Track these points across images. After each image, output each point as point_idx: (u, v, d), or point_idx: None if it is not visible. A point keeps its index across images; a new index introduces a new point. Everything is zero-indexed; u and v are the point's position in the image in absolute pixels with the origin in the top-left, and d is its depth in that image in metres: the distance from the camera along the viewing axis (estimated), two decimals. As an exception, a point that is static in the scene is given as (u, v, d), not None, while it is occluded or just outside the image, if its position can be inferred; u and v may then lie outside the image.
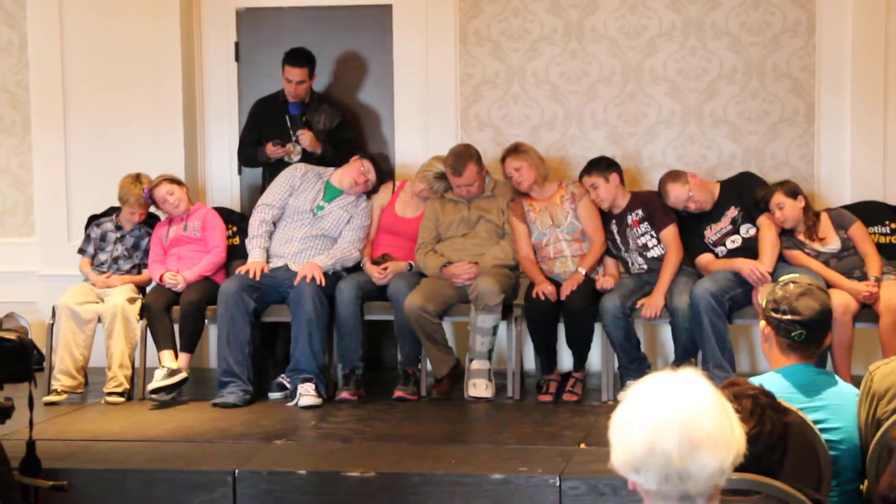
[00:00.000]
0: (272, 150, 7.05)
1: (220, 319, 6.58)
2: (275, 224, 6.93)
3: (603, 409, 6.25)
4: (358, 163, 6.93)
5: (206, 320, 6.74)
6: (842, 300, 6.10)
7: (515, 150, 6.72)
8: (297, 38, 7.46)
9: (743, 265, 6.32)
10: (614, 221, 6.69)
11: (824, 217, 6.42)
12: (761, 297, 3.61)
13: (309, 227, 6.87)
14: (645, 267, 6.62)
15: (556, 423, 5.98)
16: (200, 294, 6.71)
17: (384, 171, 7.04)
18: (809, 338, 3.46)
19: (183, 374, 6.52)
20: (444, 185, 6.83)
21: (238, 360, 6.53)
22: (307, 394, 6.43)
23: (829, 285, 6.18)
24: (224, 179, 7.62)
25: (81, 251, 7.05)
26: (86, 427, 6.06)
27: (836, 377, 3.55)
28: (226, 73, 7.66)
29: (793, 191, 6.38)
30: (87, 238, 7.05)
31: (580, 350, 6.61)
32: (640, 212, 6.64)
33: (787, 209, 6.34)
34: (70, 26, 7.56)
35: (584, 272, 6.57)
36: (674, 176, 6.59)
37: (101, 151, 7.55)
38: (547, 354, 6.62)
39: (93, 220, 7.12)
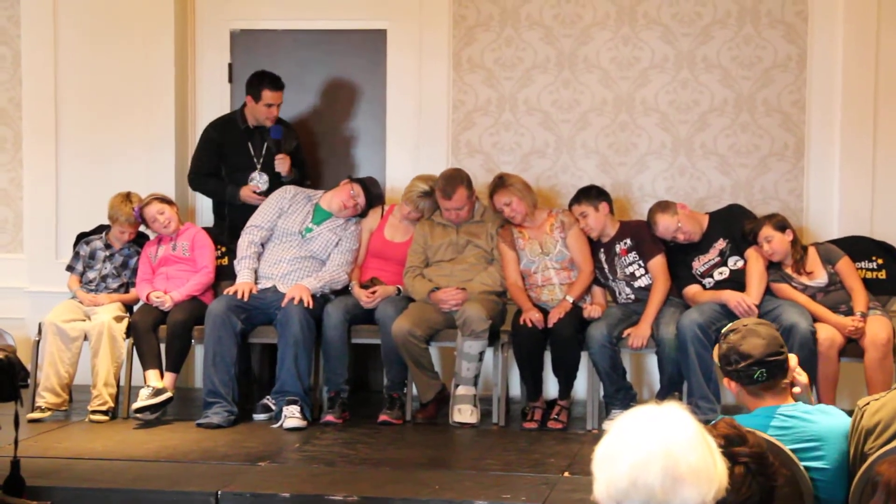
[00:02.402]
0: (251, 196, 7.04)
1: (207, 339, 6.57)
2: (263, 245, 6.93)
3: (588, 438, 6.26)
4: (348, 186, 6.94)
5: (192, 340, 6.73)
6: (828, 334, 6.13)
7: (502, 184, 6.73)
8: (291, 60, 7.49)
9: (730, 297, 6.34)
10: (602, 250, 6.71)
11: (812, 251, 6.45)
12: (715, 358, 3.61)
13: (297, 249, 6.87)
14: (632, 297, 6.64)
15: (541, 451, 5.98)
16: (187, 314, 6.70)
17: (374, 195, 7.04)
18: (772, 373, 3.46)
19: (168, 394, 6.51)
20: (430, 203, 6.84)
21: (223, 381, 6.52)
22: (292, 416, 6.43)
23: (816, 319, 6.22)
24: (211, 201, 7.62)
25: (70, 268, 7.04)
26: (70, 445, 6.04)
27: (822, 410, 3.53)
28: (219, 95, 7.68)
29: (781, 224, 6.41)
30: (76, 255, 7.05)
31: (566, 378, 6.62)
32: (628, 241, 6.66)
33: (774, 242, 6.36)
34: (64, 44, 7.57)
35: (571, 300, 6.59)
36: (663, 206, 6.62)
37: (93, 170, 7.56)
38: (533, 381, 6.62)
39: (82, 237, 7.11)
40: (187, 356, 6.85)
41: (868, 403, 3.51)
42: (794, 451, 3.36)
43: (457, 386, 6.55)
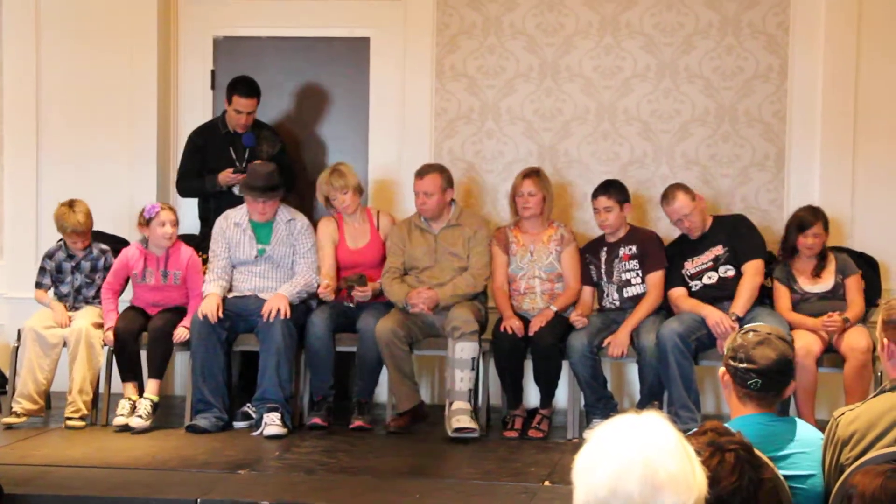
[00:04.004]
0: (229, 177, 6.96)
1: (195, 351, 6.56)
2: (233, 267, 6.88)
3: (568, 447, 6.26)
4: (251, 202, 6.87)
5: (174, 346, 6.71)
6: (804, 343, 6.13)
7: (538, 175, 6.75)
8: (273, 67, 7.49)
9: (710, 315, 6.34)
10: (605, 249, 6.70)
11: (831, 258, 6.49)
12: (725, 345, 3.63)
13: (262, 267, 6.83)
14: (617, 303, 6.64)
15: (521, 460, 5.98)
16: (167, 320, 6.68)
17: (271, 184, 6.74)
18: (765, 387, 3.46)
19: (147, 407, 6.50)
20: (336, 176, 6.78)
21: (212, 390, 6.54)
22: (272, 423, 6.42)
23: (793, 328, 6.25)
24: (195, 207, 7.60)
25: (38, 284, 6.94)
26: (48, 452, 6.01)
27: (798, 423, 3.56)
28: (202, 101, 7.67)
29: (827, 225, 6.49)
30: (42, 271, 6.94)
31: (547, 387, 6.62)
32: (633, 248, 6.65)
33: (819, 240, 6.42)
34: (46, 51, 7.56)
35: (555, 310, 6.58)
36: (684, 188, 6.63)
37: (74, 176, 7.53)
38: (513, 389, 6.62)
39: (46, 256, 7.00)
40: (168, 362, 6.82)
41: (843, 414, 3.51)
42: (772, 458, 3.37)
43: (451, 403, 6.43)
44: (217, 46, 7.69)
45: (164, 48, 7.60)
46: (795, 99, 7.18)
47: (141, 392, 6.62)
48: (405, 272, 6.84)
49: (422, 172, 6.76)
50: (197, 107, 7.65)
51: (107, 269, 6.89)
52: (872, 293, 6.61)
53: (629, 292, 6.62)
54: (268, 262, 6.82)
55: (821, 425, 3.70)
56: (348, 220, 6.94)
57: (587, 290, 6.74)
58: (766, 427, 3.46)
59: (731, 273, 6.52)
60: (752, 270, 6.47)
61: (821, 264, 6.45)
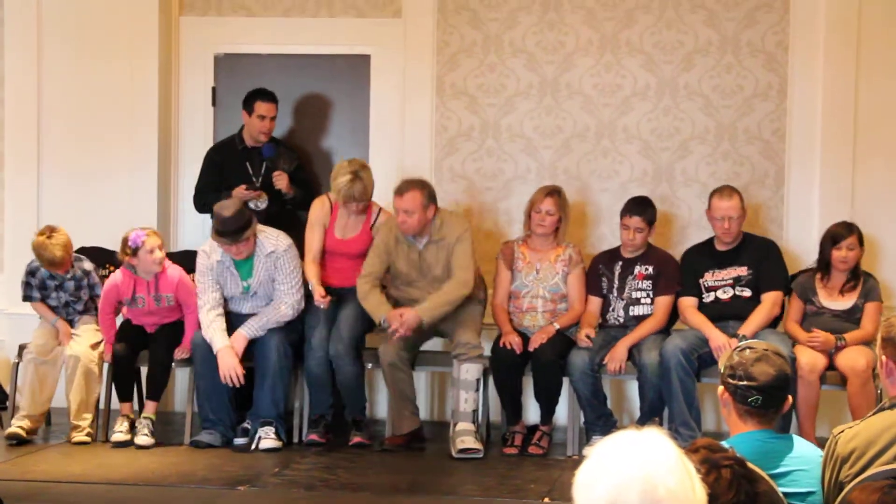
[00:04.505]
0: (243, 193, 6.94)
1: (198, 372, 6.55)
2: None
3: (568, 464, 6.26)
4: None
5: (173, 363, 6.70)
6: (808, 359, 6.14)
7: (560, 195, 6.68)
8: (274, 84, 7.49)
9: (715, 338, 6.29)
10: (621, 263, 6.64)
11: (861, 280, 6.44)
12: (721, 363, 3.63)
13: (251, 302, 6.74)
14: (621, 320, 6.62)
15: (521, 477, 5.98)
16: (166, 344, 6.65)
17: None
18: (766, 404, 3.47)
19: (150, 425, 6.52)
20: (360, 185, 6.62)
21: (216, 409, 6.55)
22: (267, 437, 6.43)
23: (795, 343, 6.26)
24: (195, 223, 7.62)
25: (28, 298, 6.86)
26: (48, 468, 6.02)
27: (796, 440, 3.56)
28: (203, 118, 7.69)
29: (862, 240, 6.44)
30: (28, 285, 6.84)
31: (548, 403, 6.61)
32: (650, 268, 6.61)
33: (854, 254, 6.39)
34: (48, 66, 7.57)
35: (557, 327, 6.56)
36: (740, 194, 6.57)
37: (74, 192, 7.54)
38: (512, 406, 6.60)
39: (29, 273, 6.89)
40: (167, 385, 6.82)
41: (842, 431, 3.52)
42: (771, 476, 3.37)
43: (455, 424, 6.44)
44: (218, 63, 7.70)
45: (166, 65, 7.63)
46: (795, 117, 7.20)
47: (138, 409, 6.63)
48: (386, 281, 6.74)
49: (401, 190, 6.55)
50: (198, 123, 7.67)
51: (91, 286, 6.84)
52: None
53: (636, 311, 6.60)
54: (255, 297, 6.72)
55: (821, 442, 3.71)
56: (342, 212, 6.83)
57: (594, 302, 6.68)
58: (765, 444, 3.46)
59: (747, 294, 6.49)
60: (771, 301, 6.46)
61: (851, 283, 6.40)
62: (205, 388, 6.55)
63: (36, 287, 6.86)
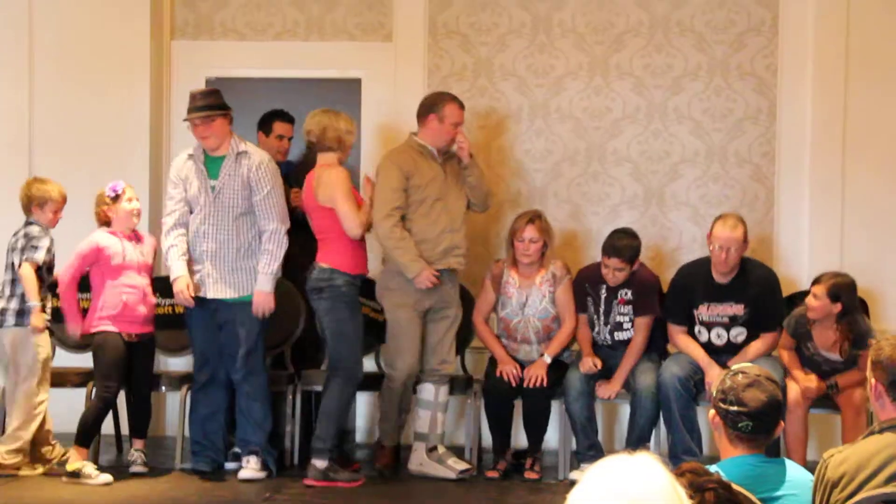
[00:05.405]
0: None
1: (195, 399, 6.48)
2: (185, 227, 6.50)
3: (560, 488, 6.25)
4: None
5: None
6: (796, 392, 6.10)
7: (542, 219, 6.57)
8: (266, 108, 7.50)
9: (711, 374, 6.12)
10: (605, 287, 6.55)
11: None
12: (713, 387, 3.64)
13: (213, 216, 6.40)
14: (609, 342, 6.59)
15: (512, 501, 5.97)
16: (146, 378, 6.54)
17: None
18: (756, 429, 3.47)
19: (143, 457, 6.45)
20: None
21: (211, 431, 6.48)
22: (248, 466, 6.35)
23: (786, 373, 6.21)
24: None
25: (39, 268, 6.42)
26: (38, 495, 5.98)
27: (788, 464, 3.56)
28: (195, 141, 7.66)
29: (835, 293, 6.07)
30: (44, 249, 6.42)
31: (537, 432, 6.57)
32: (629, 292, 6.50)
33: (819, 303, 6.08)
34: (39, 90, 7.57)
35: (549, 360, 6.51)
36: (745, 225, 6.31)
37: (65, 216, 7.51)
38: (501, 436, 6.56)
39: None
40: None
41: (832, 455, 3.52)
42: (761, 500, 3.37)
43: (435, 447, 6.46)
44: (210, 87, 7.71)
45: (157, 89, 7.63)
46: (784, 140, 7.23)
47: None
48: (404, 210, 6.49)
49: (462, 103, 6.64)
50: (189, 146, 7.64)
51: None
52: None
53: (620, 336, 6.57)
54: (217, 205, 6.41)
55: (811, 467, 3.71)
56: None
57: (584, 322, 6.61)
58: (756, 468, 3.46)
59: (742, 339, 6.32)
60: (767, 344, 6.31)
61: (841, 345, 6.13)
62: (202, 414, 6.46)
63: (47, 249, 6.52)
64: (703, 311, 6.39)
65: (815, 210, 7.16)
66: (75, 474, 6.18)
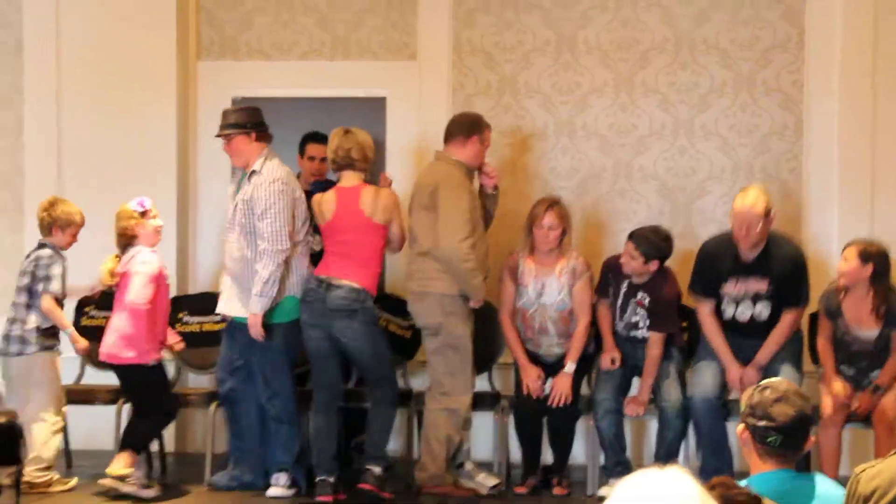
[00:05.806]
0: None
1: (232, 414, 6.50)
2: None
3: (590, 503, 6.22)
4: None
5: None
6: (829, 408, 6.06)
7: (561, 206, 6.54)
8: (291, 127, 7.55)
9: (731, 370, 6.19)
10: (627, 283, 6.49)
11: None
12: (742, 402, 3.63)
13: (235, 242, 6.42)
14: (625, 335, 6.55)
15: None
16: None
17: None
18: (785, 444, 3.46)
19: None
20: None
21: (249, 447, 6.48)
22: (277, 484, 6.35)
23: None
24: (213, 267, 7.63)
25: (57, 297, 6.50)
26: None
27: (818, 479, 3.54)
28: (221, 162, 7.71)
29: (866, 255, 6.04)
30: (58, 279, 6.50)
31: (563, 449, 6.55)
32: (648, 300, 6.46)
33: (849, 266, 6.05)
34: (67, 110, 7.63)
35: (571, 371, 6.48)
36: (767, 197, 6.20)
37: (94, 236, 7.53)
38: (531, 453, 6.53)
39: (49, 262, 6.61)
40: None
41: (864, 470, 3.49)
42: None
43: (463, 463, 6.47)
44: (236, 107, 7.74)
45: (183, 109, 7.68)
46: (812, 156, 7.21)
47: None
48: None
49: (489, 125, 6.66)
50: (216, 167, 7.70)
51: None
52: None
53: (635, 334, 6.53)
54: (234, 221, 6.40)
55: (843, 482, 3.68)
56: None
57: (605, 310, 6.54)
58: (786, 483, 3.45)
59: (766, 314, 6.25)
60: (788, 322, 6.25)
61: (877, 310, 6.04)
62: (239, 428, 6.47)
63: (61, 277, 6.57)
64: (731, 289, 6.28)
65: (843, 225, 7.12)
66: (120, 479, 6.12)
